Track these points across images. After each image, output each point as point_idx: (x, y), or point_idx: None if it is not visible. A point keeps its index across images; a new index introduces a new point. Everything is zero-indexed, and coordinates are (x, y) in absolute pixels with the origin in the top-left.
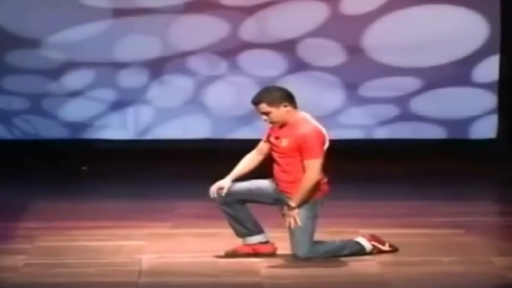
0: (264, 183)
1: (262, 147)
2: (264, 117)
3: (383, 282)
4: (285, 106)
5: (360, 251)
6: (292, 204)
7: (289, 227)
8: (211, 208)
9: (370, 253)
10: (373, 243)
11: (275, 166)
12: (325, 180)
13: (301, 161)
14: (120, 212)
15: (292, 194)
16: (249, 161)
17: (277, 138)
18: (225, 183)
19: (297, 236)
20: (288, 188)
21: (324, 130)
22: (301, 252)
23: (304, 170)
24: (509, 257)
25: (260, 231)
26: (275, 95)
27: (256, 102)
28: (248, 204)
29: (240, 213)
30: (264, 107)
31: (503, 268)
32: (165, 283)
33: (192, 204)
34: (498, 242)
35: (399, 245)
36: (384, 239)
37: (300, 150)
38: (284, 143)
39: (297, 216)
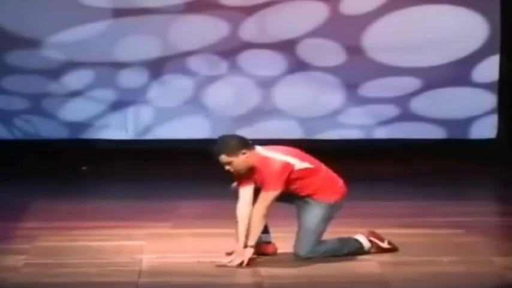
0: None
1: (247, 194)
2: (227, 167)
3: (383, 282)
4: (244, 153)
5: (359, 249)
6: (250, 243)
7: (302, 224)
8: (211, 208)
9: (369, 251)
10: (372, 239)
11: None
12: (341, 182)
13: (298, 179)
14: (120, 212)
15: (314, 198)
16: (248, 211)
17: (255, 183)
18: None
19: (306, 235)
20: (309, 197)
21: (287, 157)
22: (302, 252)
23: (307, 181)
24: (509, 257)
25: (265, 231)
26: (232, 144)
27: (215, 154)
28: None
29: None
30: (224, 158)
31: (503, 268)
32: (165, 283)
33: (192, 204)
34: (498, 242)
35: (399, 245)
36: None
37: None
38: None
39: (246, 259)
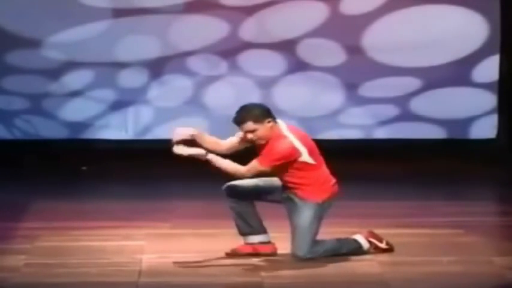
0: (275, 180)
1: (234, 142)
2: (250, 135)
3: (383, 282)
4: (269, 122)
5: (358, 249)
6: (212, 158)
7: (296, 224)
8: (211, 208)
9: (368, 251)
10: (371, 239)
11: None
12: (333, 182)
13: (291, 167)
14: (120, 212)
15: (298, 194)
16: (222, 141)
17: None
18: (191, 131)
19: (300, 236)
20: (294, 189)
21: (298, 145)
22: (301, 253)
23: (301, 174)
24: (509, 257)
25: (264, 231)
26: (258, 112)
27: (240, 121)
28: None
29: (247, 210)
30: (249, 125)
31: (503, 268)
32: (165, 283)
33: (192, 204)
34: (498, 242)
35: (399, 245)
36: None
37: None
38: None
39: (185, 151)
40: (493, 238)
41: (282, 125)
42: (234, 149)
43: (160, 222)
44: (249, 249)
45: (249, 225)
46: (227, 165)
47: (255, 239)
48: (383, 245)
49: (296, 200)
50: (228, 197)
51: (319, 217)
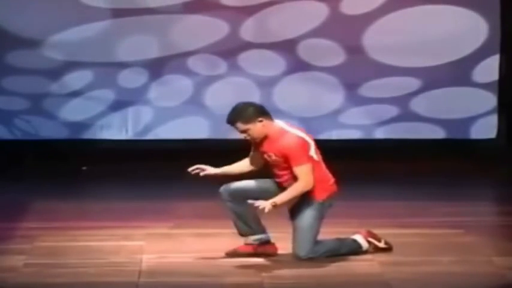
0: (268, 182)
1: (251, 155)
2: (244, 134)
3: (383, 282)
4: (260, 121)
5: (358, 249)
6: (277, 201)
7: (297, 225)
8: (211, 208)
9: (367, 250)
10: (370, 239)
11: (275, 174)
12: (332, 181)
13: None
14: (120, 212)
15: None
16: (242, 165)
17: (263, 152)
18: (210, 169)
19: (302, 236)
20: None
21: (304, 136)
22: (302, 253)
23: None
24: (509, 257)
25: (263, 231)
26: (248, 112)
27: (231, 122)
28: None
29: (245, 211)
30: (240, 125)
31: (503, 268)
32: (165, 283)
33: (192, 204)
34: (498, 242)
35: (399, 245)
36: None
37: (287, 161)
38: (272, 156)
39: (268, 206)
40: (493, 238)
41: (280, 123)
42: (256, 164)
43: (160, 222)
44: (249, 249)
45: (248, 226)
46: (294, 194)
47: (256, 239)
48: (381, 245)
49: (298, 200)
50: (226, 202)
51: (320, 217)
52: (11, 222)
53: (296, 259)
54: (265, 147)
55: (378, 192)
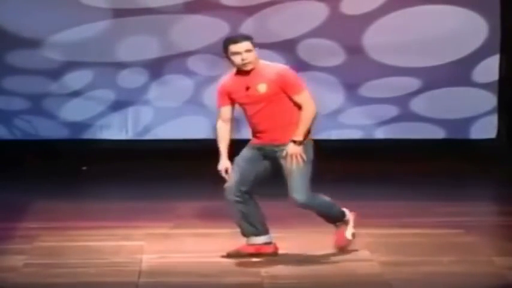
0: (250, 154)
1: (225, 112)
2: (245, 55)
3: (383, 282)
4: (256, 49)
5: (342, 218)
6: (298, 138)
7: (290, 169)
8: (211, 208)
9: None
10: (353, 231)
11: (256, 121)
12: None
13: (285, 101)
14: (120, 212)
15: (287, 139)
16: (225, 134)
17: (248, 88)
18: (227, 163)
19: (298, 179)
20: (281, 135)
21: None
22: (300, 197)
23: (290, 108)
24: (509, 257)
25: (266, 232)
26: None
27: (246, 37)
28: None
29: (252, 211)
30: (249, 45)
31: (503, 268)
32: (165, 283)
33: (192, 204)
34: (498, 242)
35: (399, 245)
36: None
37: (284, 89)
38: (262, 88)
39: (302, 153)
40: (493, 238)
41: None
42: (231, 119)
43: (160, 222)
44: (251, 250)
45: (253, 227)
46: (307, 122)
47: (259, 240)
48: (348, 235)
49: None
50: (233, 199)
51: (311, 158)
52: (11, 222)
53: (295, 203)
54: (251, 80)
55: (378, 192)
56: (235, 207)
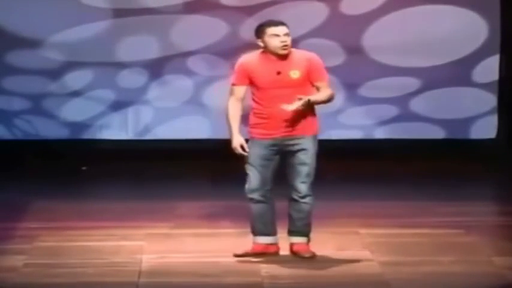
0: (264, 152)
1: (240, 91)
2: (284, 37)
3: (383, 282)
4: None
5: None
6: (312, 99)
7: (303, 160)
8: (211, 208)
9: None
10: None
11: (277, 105)
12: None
13: (309, 89)
14: (120, 212)
15: (305, 131)
16: (238, 111)
17: (279, 73)
18: (241, 139)
19: (308, 171)
20: (301, 126)
21: None
22: (305, 188)
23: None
24: (509, 257)
25: (275, 233)
26: None
27: (283, 23)
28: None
29: (269, 212)
30: (287, 29)
31: (503, 268)
32: (165, 283)
33: (192, 204)
34: (498, 242)
35: (399, 245)
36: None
37: (310, 74)
38: (295, 75)
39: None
40: (493, 238)
41: None
42: (243, 98)
43: (160, 222)
44: (259, 249)
45: (265, 227)
46: (325, 98)
47: (268, 240)
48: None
49: (304, 138)
50: (257, 200)
51: (316, 153)
52: (11, 222)
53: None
54: (287, 66)
55: (378, 192)
56: (256, 206)
